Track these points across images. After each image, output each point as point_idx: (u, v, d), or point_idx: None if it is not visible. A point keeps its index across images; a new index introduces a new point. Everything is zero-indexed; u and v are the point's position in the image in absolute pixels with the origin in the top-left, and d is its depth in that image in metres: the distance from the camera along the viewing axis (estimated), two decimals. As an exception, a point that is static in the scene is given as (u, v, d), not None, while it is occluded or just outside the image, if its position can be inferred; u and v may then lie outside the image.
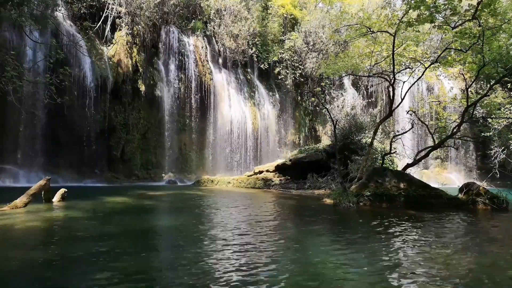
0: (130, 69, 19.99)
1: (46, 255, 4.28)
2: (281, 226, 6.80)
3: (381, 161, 13.81)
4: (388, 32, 12.49)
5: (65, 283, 3.36)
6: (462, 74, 14.58)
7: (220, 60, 24.55)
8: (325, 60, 22.17)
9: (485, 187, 10.65)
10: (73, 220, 6.79)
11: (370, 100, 25.98)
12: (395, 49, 12.00)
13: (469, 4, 10.67)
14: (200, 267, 3.86)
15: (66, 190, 9.25)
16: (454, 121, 16.01)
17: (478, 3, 9.93)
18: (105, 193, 12.03)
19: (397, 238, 5.66)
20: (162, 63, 21.91)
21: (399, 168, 13.68)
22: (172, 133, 21.52)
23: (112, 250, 4.49)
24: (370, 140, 13.64)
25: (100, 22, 19.20)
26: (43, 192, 8.47)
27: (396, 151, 14.36)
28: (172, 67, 21.89)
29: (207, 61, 23.32)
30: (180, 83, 21.88)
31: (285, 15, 27.34)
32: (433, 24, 11.61)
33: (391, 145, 13.83)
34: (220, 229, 6.23)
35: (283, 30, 27.33)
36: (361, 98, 25.44)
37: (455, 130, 12.71)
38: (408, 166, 12.73)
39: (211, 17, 24.22)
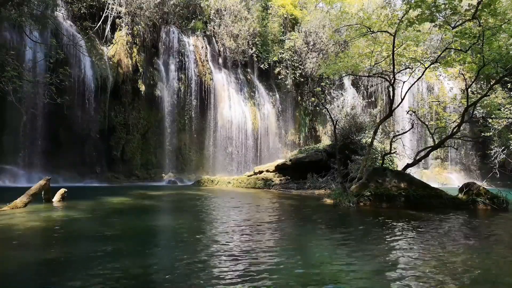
0: (130, 69, 19.99)
1: (46, 255, 4.28)
2: (281, 226, 6.79)
3: (381, 161, 13.80)
4: (388, 32, 12.48)
5: (65, 283, 3.36)
6: (462, 74, 14.55)
7: (220, 60, 24.54)
8: (325, 60, 22.15)
9: (485, 187, 10.65)
10: (73, 220, 6.79)
11: (370, 100, 25.96)
12: (395, 49, 11.99)
13: (469, 4, 10.65)
14: (199, 267, 3.86)
15: (66, 190, 9.26)
16: (454, 121, 16.01)
17: (478, 3, 9.92)
18: (105, 193, 12.03)
19: (397, 238, 5.67)
20: (162, 63, 21.91)
21: (399, 168, 13.67)
22: (172, 133, 21.52)
23: (112, 250, 4.49)
24: (370, 140, 13.62)
25: (100, 22, 19.20)
26: (43, 192, 8.47)
27: (396, 151, 14.34)
28: (172, 67, 21.89)
29: (207, 61, 23.31)
30: (180, 83, 21.88)
31: (285, 15, 27.32)
32: (433, 24, 11.60)
33: (391, 145, 13.81)
34: (220, 229, 6.23)
35: (283, 30, 27.31)
36: (361, 98, 25.46)
37: (455, 130, 12.70)
38: (408, 166, 12.71)
39: (211, 17, 24.22)
